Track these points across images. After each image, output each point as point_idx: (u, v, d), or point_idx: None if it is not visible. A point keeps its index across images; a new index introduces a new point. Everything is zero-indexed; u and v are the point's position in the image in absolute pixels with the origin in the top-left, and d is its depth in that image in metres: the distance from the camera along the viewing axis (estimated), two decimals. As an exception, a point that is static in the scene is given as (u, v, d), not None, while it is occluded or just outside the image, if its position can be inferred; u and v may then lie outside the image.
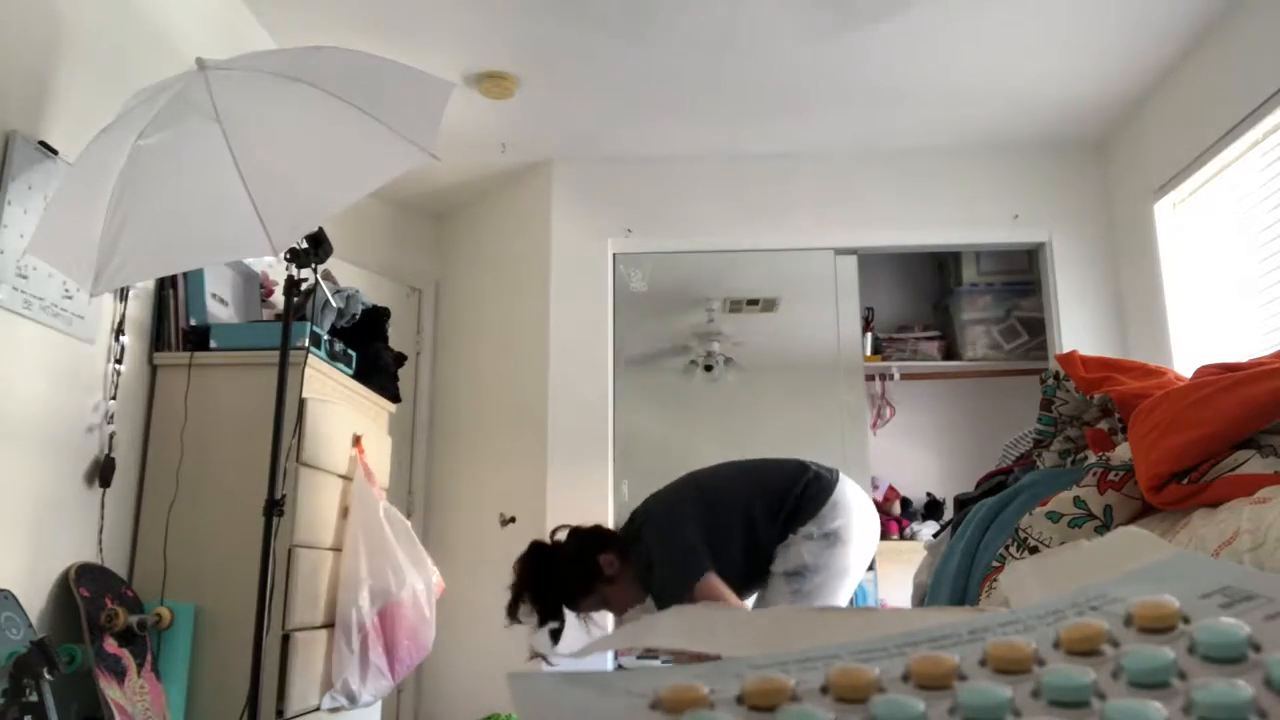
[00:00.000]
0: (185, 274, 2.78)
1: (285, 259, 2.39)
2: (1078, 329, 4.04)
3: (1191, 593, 0.39)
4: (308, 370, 2.67)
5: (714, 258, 4.26)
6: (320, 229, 2.38)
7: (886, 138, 4.17)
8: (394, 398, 3.47)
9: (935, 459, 4.57)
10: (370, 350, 3.25)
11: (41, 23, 2.30)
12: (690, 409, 4.11)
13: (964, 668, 0.35)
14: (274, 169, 2.14)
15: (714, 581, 2.31)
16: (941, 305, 4.74)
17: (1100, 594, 0.40)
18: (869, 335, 4.39)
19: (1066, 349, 3.10)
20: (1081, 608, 0.39)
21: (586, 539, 2.45)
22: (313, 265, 2.41)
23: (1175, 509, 1.30)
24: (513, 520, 4.04)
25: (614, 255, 4.27)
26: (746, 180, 4.29)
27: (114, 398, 2.51)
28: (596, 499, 3.91)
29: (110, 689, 2.21)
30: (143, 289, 2.68)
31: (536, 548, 2.46)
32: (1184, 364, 3.42)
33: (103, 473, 2.46)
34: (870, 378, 4.45)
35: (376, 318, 3.31)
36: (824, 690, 0.34)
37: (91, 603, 2.30)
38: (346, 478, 2.91)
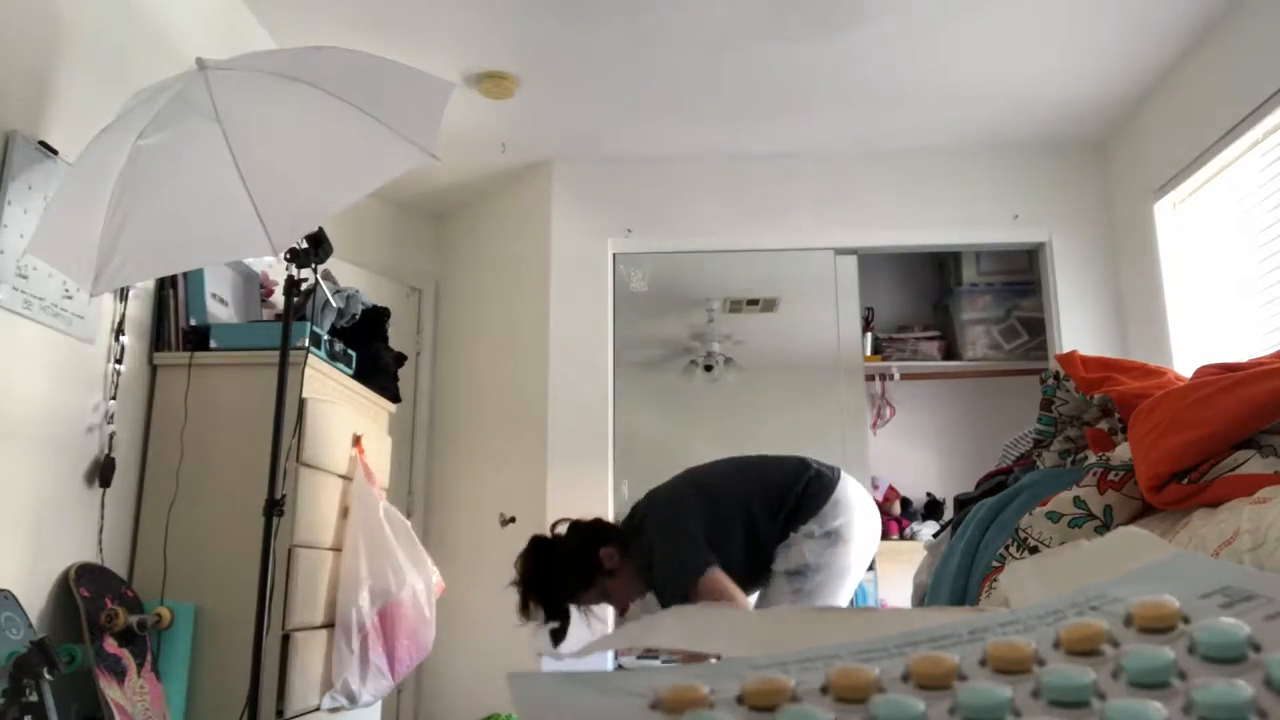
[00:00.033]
0: (185, 274, 2.78)
1: (285, 259, 2.39)
2: (1078, 329, 4.04)
3: (1191, 593, 0.39)
4: (308, 370, 2.67)
5: (714, 258, 4.26)
6: (320, 229, 2.38)
7: (886, 138, 4.17)
8: (394, 398, 3.47)
9: (935, 459, 4.57)
10: (370, 350, 3.25)
11: (41, 23, 2.30)
12: (690, 409, 4.11)
13: (964, 668, 0.35)
14: (274, 169, 2.14)
15: (718, 575, 2.31)
16: (941, 305, 4.74)
17: (1100, 594, 0.40)
18: (869, 335, 4.39)
19: (1066, 349, 3.09)
20: (1081, 608, 0.39)
21: (587, 532, 2.45)
22: (313, 265, 2.41)
23: (1175, 509, 1.30)
24: (513, 520, 4.03)
25: (614, 255, 4.27)
26: (746, 180, 4.29)
27: (114, 398, 2.51)
28: (596, 499, 3.91)
29: (110, 689, 2.21)
30: (143, 289, 2.68)
31: (537, 542, 2.46)
32: (1184, 364, 3.41)
33: (103, 473, 2.46)
34: (870, 378, 4.45)
35: (376, 318, 3.31)
36: (824, 690, 0.34)
37: (91, 603, 2.30)
38: (346, 478, 2.91)
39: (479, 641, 4.07)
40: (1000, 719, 0.32)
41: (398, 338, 3.77)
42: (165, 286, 2.76)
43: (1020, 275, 4.48)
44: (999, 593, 1.46)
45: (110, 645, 2.30)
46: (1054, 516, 1.47)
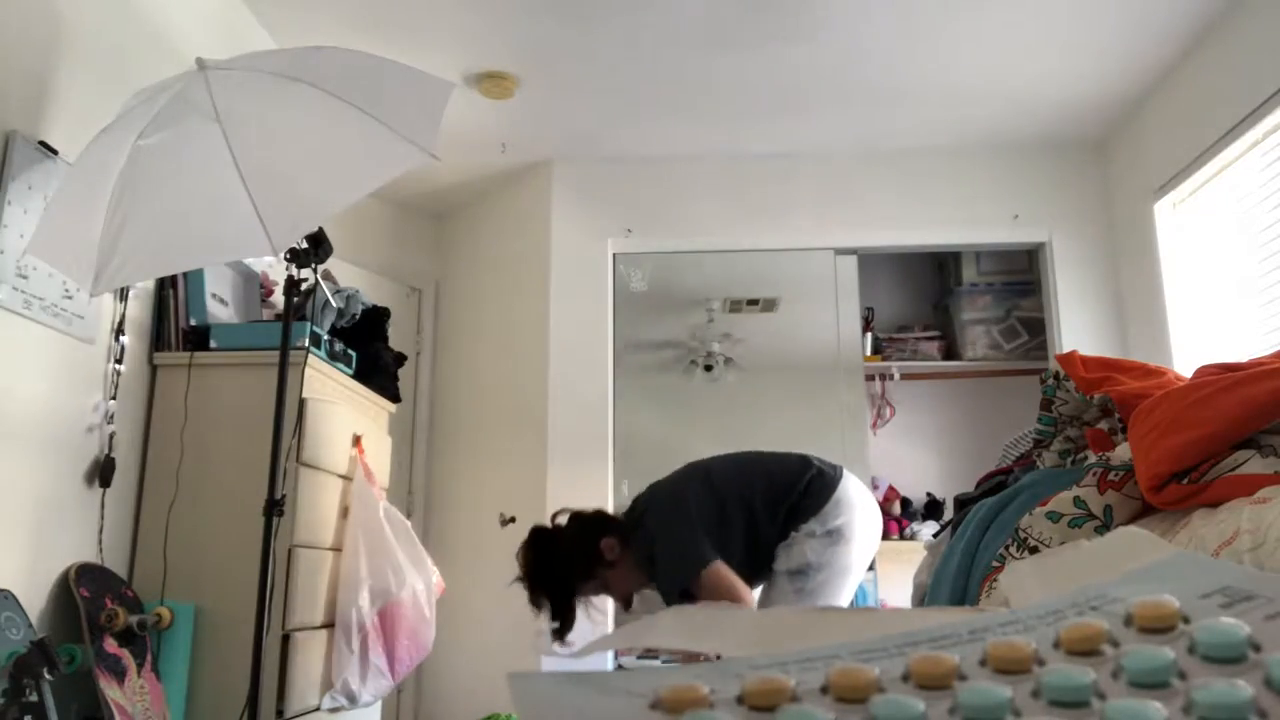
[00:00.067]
0: (185, 274, 2.78)
1: (285, 259, 2.39)
2: (1078, 329, 4.04)
3: (1191, 593, 0.39)
4: (308, 370, 2.67)
5: (714, 258, 4.26)
6: (320, 229, 2.38)
7: (886, 138, 4.17)
8: (394, 398, 3.47)
9: (935, 459, 4.57)
10: (370, 350, 3.25)
11: (41, 23, 2.30)
12: (690, 409, 4.11)
13: (964, 668, 0.35)
14: (274, 169, 2.14)
15: (721, 568, 2.31)
16: (941, 305, 4.74)
17: (1100, 594, 0.40)
18: (869, 335, 4.39)
19: (1066, 349, 3.09)
20: (1081, 608, 0.39)
21: (588, 523, 2.46)
22: (313, 265, 2.41)
23: (1175, 509, 1.30)
24: (513, 520, 4.03)
25: (614, 255, 4.27)
26: (746, 180, 4.29)
27: (114, 398, 2.51)
28: (596, 499, 3.90)
29: (110, 689, 2.21)
30: (143, 289, 2.68)
31: (537, 532, 2.46)
32: (1184, 364, 3.41)
33: (103, 473, 2.46)
34: (870, 378, 4.45)
35: (376, 318, 3.31)
36: (824, 690, 0.34)
37: (91, 603, 2.30)
38: (346, 478, 2.91)
39: (479, 641, 4.07)
40: (1000, 719, 0.32)
41: (398, 338, 3.77)
42: (165, 286, 2.76)
43: (1020, 275, 4.48)
44: (999, 593, 1.46)
45: (110, 645, 2.30)
46: (1054, 516, 1.47)
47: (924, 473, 4.53)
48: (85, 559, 2.39)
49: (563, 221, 4.28)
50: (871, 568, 3.75)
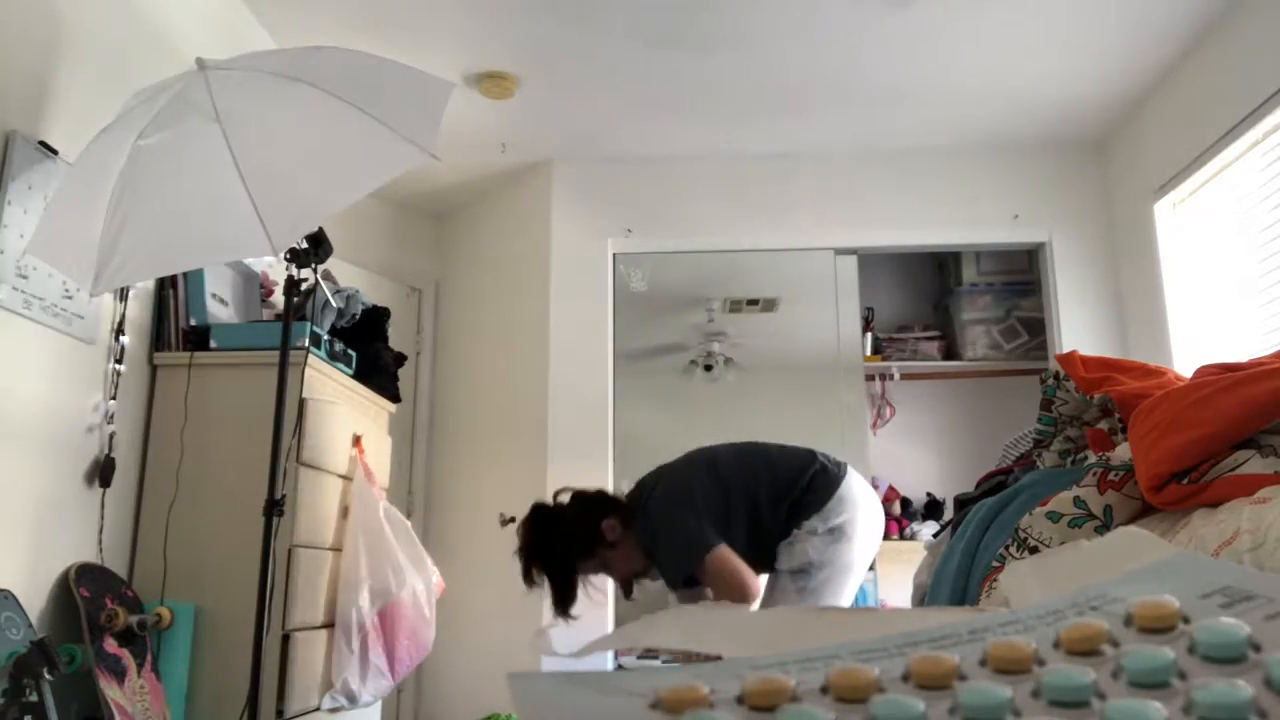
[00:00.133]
0: (185, 274, 2.78)
1: (285, 259, 2.39)
2: (1078, 329, 4.04)
3: (1191, 593, 0.39)
4: (308, 370, 2.67)
5: (714, 258, 4.26)
6: (320, 229, 2.38)
7: (886, 138, 4.17)
8: (394, 398, 3.47)
9: (935, 459, 4.57)
10: (370, 350, 3.25)
11: (41, 23, 2.30)
12: (690, 409, 4.11)
13: (964, 668, 0.35)
14: (274, 169, 2.14)
15: (725, 552, 2.31)
16: (941, 305, 4.74)
17: (1100, 594, 0.40)
18: (869, 335, 4.39)
19: (1066, 349, 3.09)
20: (1081, 608, 0.39)
21: (590, 503, 2.46)
22: (313, 265, 2.42)
23: (1175, 509, 1.30)
24: (513, 520, 4.02)
25: (614, 255, 4.27)
26: (746, 180, 4.29)
27: (114, 398, 2.51)
28: (596, 499, 3.91)
29: (110, 689, 2.21)
30: (143, 289, 2.68)
31: (538, 510, 2.46)
32: (1184, 364, 3.41)
33: (103, 473, 2.46)
34: (870, 378, 4.45)
35: (376, 318, 3.31)
36: (824, 690, 0.34)
37: (91, 603, 2.30)
38: (346, 478, 2.91)
39: (479, 641, 4.07)
40: (1000, 719, 0.32)
41: (398, 338, 3.77)
42: (165, 286, 2.76)
43: (1020, 275, 4.48)
44: (999, 593, 1.46)
45: (110, 645, 2.30)
46: (1054, 516, 1.47)
47: (924, 473, 4.53)
48: (85, 559, 2.39)
49: (563, 221, 4.28)
50: (871, 568, 3.74)
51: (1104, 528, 1.42)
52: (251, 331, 2.85)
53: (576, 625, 2.43)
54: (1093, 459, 1.68)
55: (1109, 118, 3.98)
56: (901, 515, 4.35)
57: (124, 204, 2.07)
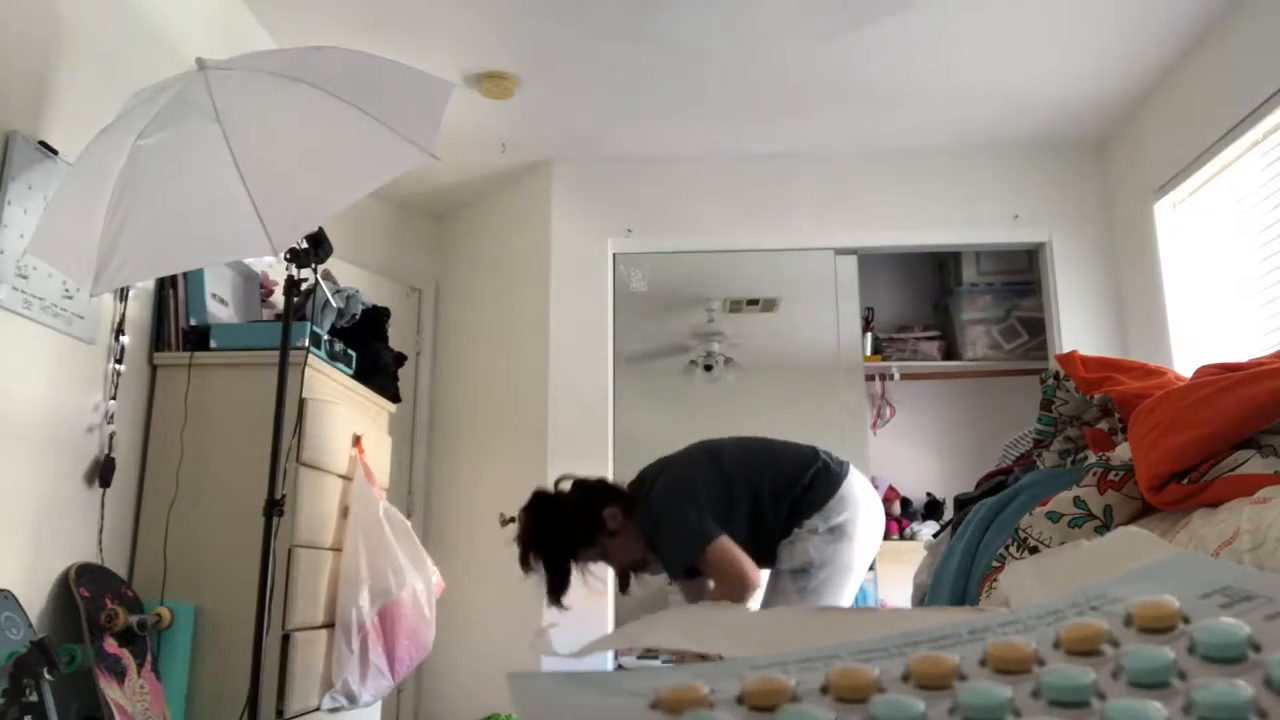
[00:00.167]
0: (185, 274, 2.78)
1: (285, 259, 2.39)
2: (1078, 329, 4.04)
3: (1191, 593, 0.39)
4: (308, 370, 2.67)
5: (714, 258, 4.26)
6: (320, 229, 2.38)
7: (886, 138, 4.17)
8: (394, 398, 3.47)
9: (935, 459, 4.57)
10: (370, 350, 3.25)
11: (41, 23, 2.30)
12: (690, 409, 4.11)
13: (964, 668, 0.35)
14: (274, 169, 2.14)
15: (727, 543, 2.32)
16: (941, 305, 4.74)
17: (1100, 594, 0.40)
18: (869, 335, 4.39)
19: (1066, 349, 3.10)
20: (1081, 608, 0.39)
21: (592, 491, 2.47)
22: (313, 265, 2.42)
23: (1175, 509, 1.30)
24: (513, 520, 4.01)
25: (614, 255, 4.27)
26: (746, 180, 4.29)
27: (114, 398, 2.51)
28: (596, 499, 3.91)
29: (110, 689, 2.21)
30: (143, 289, 2.68)
31: (539, 496, 2.47)
32: (1184, 364, 3.41)
33: (103, 473, 2.46)
34: (870, 378, 4.45)
35: (376, 318, 3.31)
36: (824, 690, 0.34)
37: (91, 603, 2.30)
38: (346, 478, 2.91)
39: (479, 641, 4.07)
40: (1000, 719, 0.32)
41: (398, 338, 3.77)
42: (165, 286, 2.76)
43: (1020, 275, 4.48)
44: (999, 593, 1.46)
45: (110, 645, 2.30)
46: (1054, 516, 1.47)
47: (924, 473, 4.53)
48: (85, 559, 2.39)
49: (563, 221, 4.28)
50: (872, 568, 3.74)
51: (1104, 528, 1.42)
52: (251, 331, 2.85)
53: (576, 625, 2.43)
54: (1093, 459, 1.68)
55: (1109, 118, 3.98)
56: (901, 515, 4.35)
57: (124, 204, 2.07)
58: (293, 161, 2.20)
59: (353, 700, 2.74)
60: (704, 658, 0.51)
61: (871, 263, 4.49)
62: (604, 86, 3.73)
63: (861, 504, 2.45)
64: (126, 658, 2.32)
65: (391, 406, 3.45)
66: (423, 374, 4.58)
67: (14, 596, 2.07)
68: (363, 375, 3.16)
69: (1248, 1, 3.13)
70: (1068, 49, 3.49)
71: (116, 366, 2.52)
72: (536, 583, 2.45)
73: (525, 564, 2.42)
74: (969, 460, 4.11)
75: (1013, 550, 1.51)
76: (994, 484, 1.99)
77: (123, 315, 2.54)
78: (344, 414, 2.93)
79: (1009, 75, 3.66)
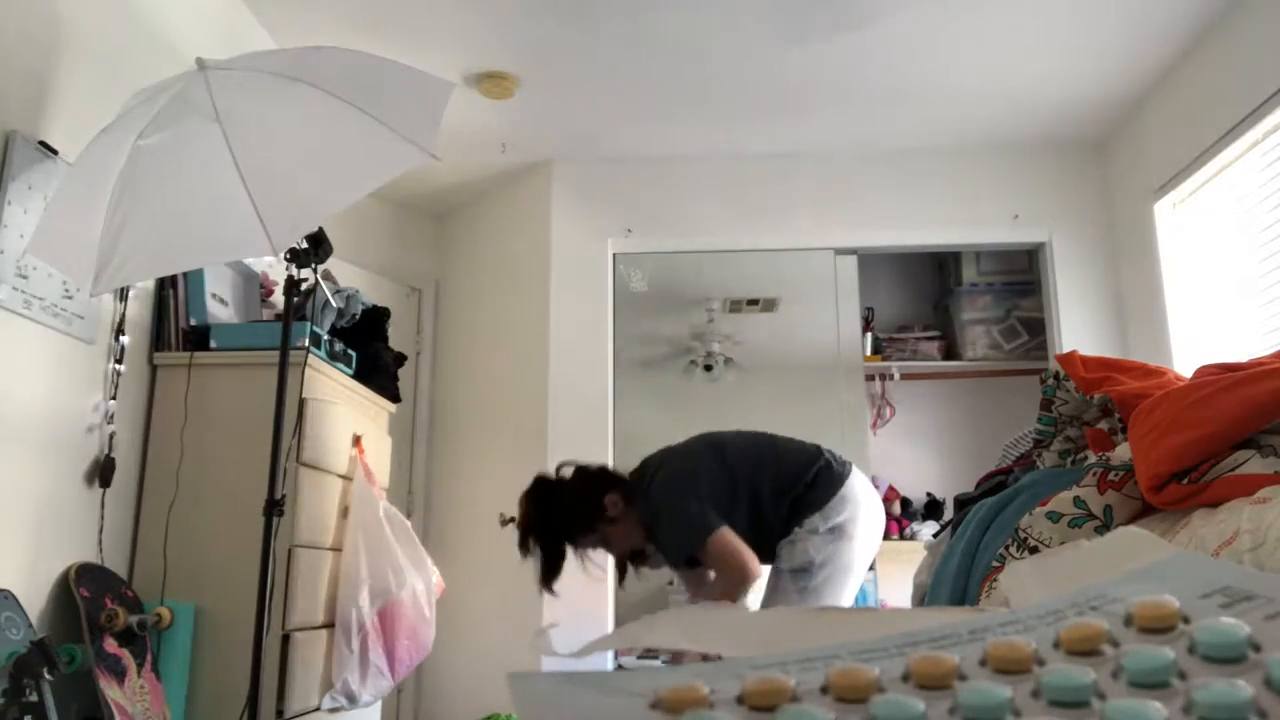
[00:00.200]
0: (185, 274, 2.78)
1: (285, 259, 2.39)
2: (1078, 329, 4.04)
3: (1191, 593, 0.39)
4: (308, 370, 2.67)
5: (714, 258, 4.26)
6: (320, 229, 2.38)
7: (886, 138, 4.17)
8: (394, 398, 3.47)
9: (935, 459, 4.57)
10: (370, 350, 3.25)
11: (41, 23, 2.30)
12: (690, 409, 4.11)
13: (964, 668, 0.35)
14: (274, 169, 2.14)
15: (727, 534, 2.32)
16: (941, 305, 4.74)
17: (1100, 594, 0.40)
18: (869, 335, 4.39)
19: (1066, 349, 3.10)
20: (1081, 608, 0.39)
21: (593, 477, 2.47)
22: (313, 265, 2.42)
23: (1175, 509, 1.30)
24: (512, 520, 4.01)
25: (614, 255, 4.27)
26: (746, 180, 4.29)
27: (114, 398, 2.51)
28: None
29: (110, 689, 2.21)
30: (143, 289, 2.68)
31: (541, 481, 2.47)
32: (1184, 364, 3.41)
33: (103, 473, 2.46)
34: (870, 378, 4.45)
35: (376, 318, 3.31)
36: (824, 690, 0.34)
37: (91, 603, 2.30)
38: (346, 478, 2.91)
39: (479, 641, 4.07)
40: (1000, 719, 0.32)
41: (398, 338, 3.77)
42: (165, 286, 2.76)
43: (1020, 275, 4.48)
44: (999, 593, 1.46)
45: (110, 645, 2.30)
46: (1054, 516, 1.47)
47: (924, 473, 4.53)
48: (85, 559, 2.39)
49: (563, 221, 4.28)
50: (872, 568, 3.75)
51: (1104, 528, 1.42)
52: (251, 331, 2.85)
53: (576, 625, 2.44)
54: (1093, 459, 1.68)
55: (1109, 118, 3.98)
56: (901, 515, 4.35)
57: (124, 204, 2.07)
58: (293, 161, 2.20)
59: (353, 700, 2.74)
60: (704, 658, 0.51)
61: (871, 263, 4.49)
62: (604, 86, 3.73)
63: (862, 504, 2.45)
64: (126, 658, 2.32)
65: (391, 406, 3.45)
66: (423, 374, 4.58)
67: (14, 596, 2.07)
68: (363, 375, 3.16)
69: (1248, 1, 3.13)
70: (1068, 49, 3.49)
71: (116, 366, 2.52)
72: (535, 578, 2.45)
73: (524, 548, 2.42)
74: (969, 460, 4.11)
75: (1013, 550, 1.51)
76: (994, 484, 1.99)
77: (123, 315, 2.54)
78: (344, 414, 2.93)
79: (1009, 75, 3.66)
